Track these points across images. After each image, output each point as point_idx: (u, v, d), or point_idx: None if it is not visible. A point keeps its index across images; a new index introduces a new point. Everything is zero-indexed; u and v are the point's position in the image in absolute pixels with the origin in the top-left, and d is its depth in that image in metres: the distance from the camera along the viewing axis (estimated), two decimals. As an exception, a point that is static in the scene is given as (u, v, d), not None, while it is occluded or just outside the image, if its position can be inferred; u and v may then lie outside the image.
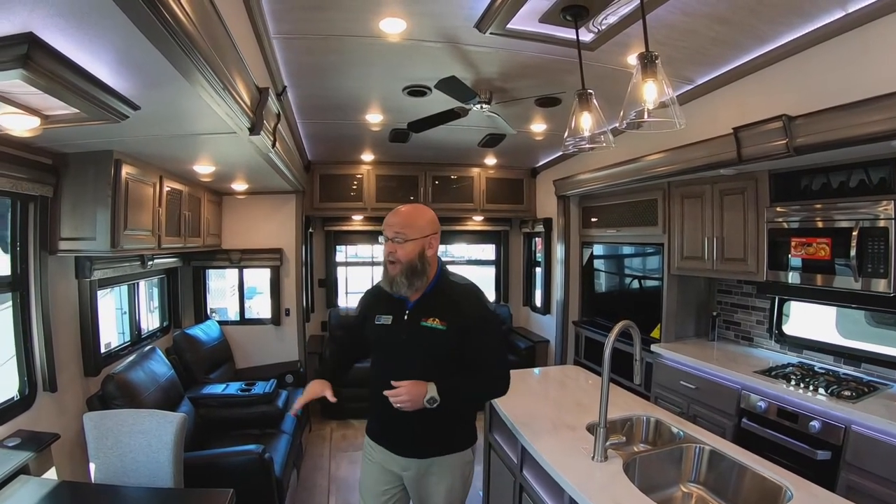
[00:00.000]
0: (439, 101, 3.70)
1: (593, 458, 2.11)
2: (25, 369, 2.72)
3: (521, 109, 4.10)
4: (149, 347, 3.87)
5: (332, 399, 2.24)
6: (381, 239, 2.22)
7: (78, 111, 1.95)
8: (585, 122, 2.50)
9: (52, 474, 2.53)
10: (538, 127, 4.69)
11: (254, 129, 2.62)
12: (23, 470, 2.31)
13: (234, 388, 4.18)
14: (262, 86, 2.62)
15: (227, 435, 3.85)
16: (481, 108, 3.63)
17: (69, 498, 2.23)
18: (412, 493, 2.28)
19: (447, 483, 2.21)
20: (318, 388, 2.25)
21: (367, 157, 5.97)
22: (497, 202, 6.51)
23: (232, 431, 3.92)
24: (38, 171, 2.66)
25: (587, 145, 2.55)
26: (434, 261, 2.18)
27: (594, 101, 2.52)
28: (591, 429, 2.36)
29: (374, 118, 4.41)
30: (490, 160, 6.17)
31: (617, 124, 2.15)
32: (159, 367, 3.71)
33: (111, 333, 3.94)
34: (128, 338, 4.16)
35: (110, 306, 4.07)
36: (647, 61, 1.95)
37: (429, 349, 2.09)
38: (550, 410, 2.75)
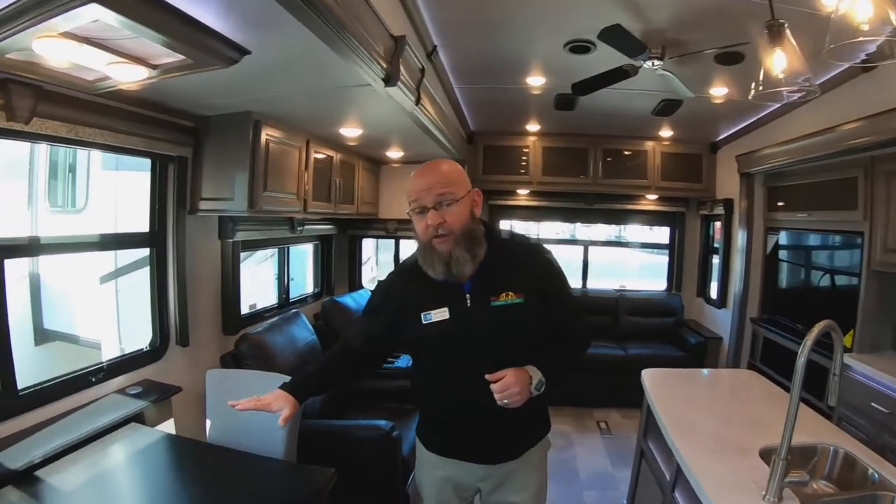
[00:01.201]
0: (606, 59, 3.21)
1: (765, 496, 1.57)
2: (158, 322, 2.83)
3: (699, 69, 3.44)
4: (293, 312, 3.93)
5: (280, 424, 1.70)
6: (410, 212, 1.67)
7: (183, 58, 1.83)
8: (778, 61, 1.85)
9: (170, 426, 2.59)
10: (719, 91, 3.95)
11: (389, 81, 2.37)
12: (137, 418, 2.37)
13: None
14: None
15: (365, 406, 3.76)
16: (652, 65, 3.08)
17: (166, 450, 2.24)
18: (486, 503, 1.89)
19: (534, 485, 1.84)
20: (276, 404, 1.72)
21: (533, 127, 5.55)
22: (673, 180, 5.71)
23: (370, 403, 3.83)
24: (176, 133, 2.73)
25: (784, 90, 1.91)
26: (479, 222, 1.73)
27: (788, 33, 1.87)
28: (766, 455, 1.81)
29: (536, 81, 4.00)
30: (665, 132, 5.42)
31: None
32: (301, 332, 3.74)
33: (257, 295, 4.07)
34: (275, 301, 4.27)
35: (260, 269, 4.24)
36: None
37: (509, 332, 1.67)
38: (717, 424, 2.22)
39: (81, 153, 3.71)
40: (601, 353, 5.19)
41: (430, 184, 1.62)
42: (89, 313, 3.63)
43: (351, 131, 3.51)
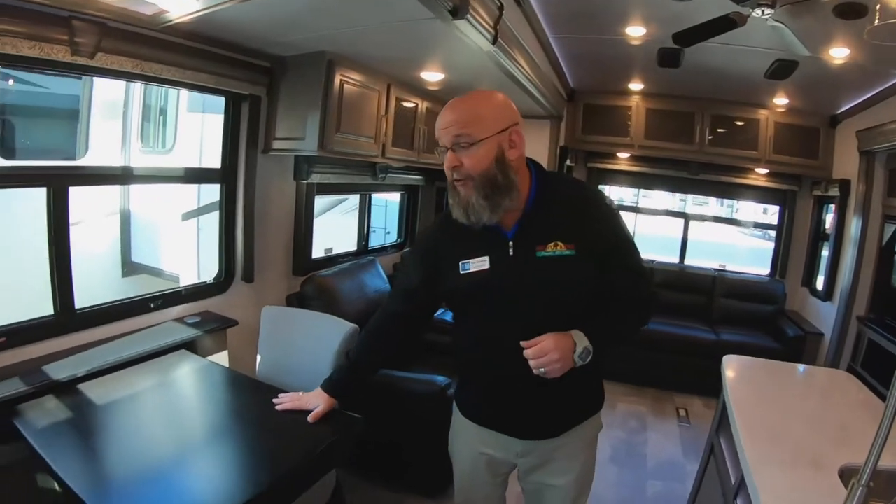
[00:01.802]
0: (711, 6, 2.87)
1: (834, 528, 1.24)
2: (225, 257, 2.90)
3: (815, 22, 2.95)
4: (368, 259, 3.91)
5: (309, 419, 1.72)
6: (437, 151, 1.48)
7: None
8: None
9: (223, 357, 2.65)
10: (839, 52, 3.40)
11: (457, 13, 2.20)
12: (189, 347, 2.44)
13: (451, 314, 4.01)
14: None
15: (431, 361, 3.65)
16: (762, 13, 2.68)
17: (206, 378, 2.28)
18: (524, 482, 1.71)
19: (577, 469, 1.62)
20: (312, 402, 1.76)
21: (636, 86, 5.18)
22: (786, 154, 5.09)
23: (434, 358, 3.70)
24: (249, 72, 2.74)
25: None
26: (522, 164, 1.49)
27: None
28: (846, 475, 1.50)
29: (636, 31, 3.66)
30: (780, 99, 4.83)
31: None
32: (373, 280, 3.71)
33: (335, 240, 4.08)
34: (353, 247, 4.28)
35: (345, 219, 4.25)
36: None
37: (555, 287, 1.45)
38: (799, 429, 1.89)
39: (171, 96, 3.86)
40: (690, 335, 4.83)
41: (448, 122, 1.42)
42: (172, 248, 3.81)
43: (432, 75, 3.37)
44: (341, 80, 2.85)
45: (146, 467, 1.60)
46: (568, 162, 5.58)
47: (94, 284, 2.84)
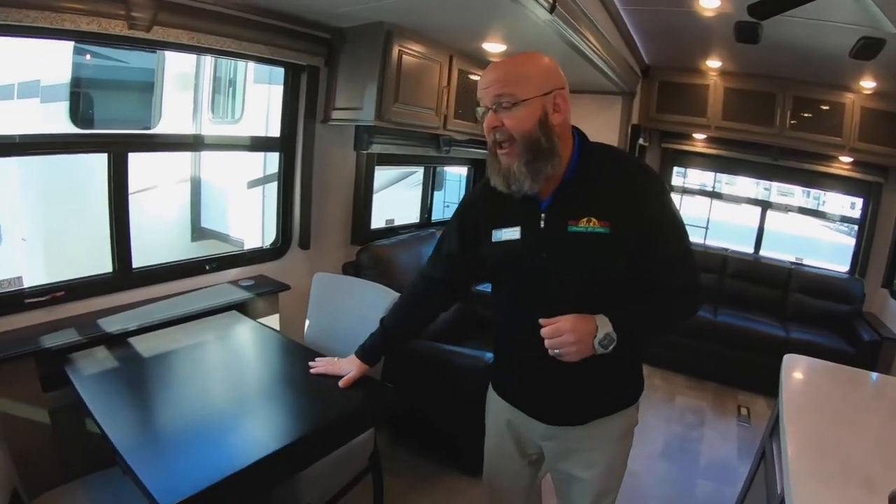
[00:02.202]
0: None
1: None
2: (282, 224, 3.01)
3: None
4: (429, 232, 3.94)
5: (340, 385, 1.75)
6: (478, 112, 1.39)
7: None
8: None
9: (274, 321, 2.75)
10: None
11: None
12: (241, 309, 2.55)
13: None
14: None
15: (484, 336, 3.64)
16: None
17: (251, 338, 2.40)
18: (552, 470, 1.66)
19: (604, 463, 1.53)
20: (346, 368, 1.78)
21: (714, 63, 4.90)
22: (873, 142, 4.66)
23: (485, 332, 3.69)
24: (307, 43, 2.79)
25: None
26: (566, 130, 1.41)
27: None
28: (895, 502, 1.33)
29: (709, 2, 3.47)
30: (867, 82, 4.43)
31: None
32: (431, 252, 3.73)
33: (399, 212, 4.15)
34: (415, 219, 4.34)
35: (411, 192, 4.31)
36: None
37: (585, 266, 1.37)
38: (856, 445, 1.68)
39: (240, 69, 3.99)
40: (758, 330, 4.57)
41: (490, 81, 1.36)
42: (238, 215, 3.97)
43: (493, 46, 3.32)
44: (399, 50, 2.86)
45: (182, 417, 1.69)
46: (641, 141, 5.38)
47: (164, 247, 3.02)
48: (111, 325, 2.14)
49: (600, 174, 1.40)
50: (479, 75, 3.54)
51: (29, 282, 2.12)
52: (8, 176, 3.42)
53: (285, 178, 2.99)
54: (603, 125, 4.90)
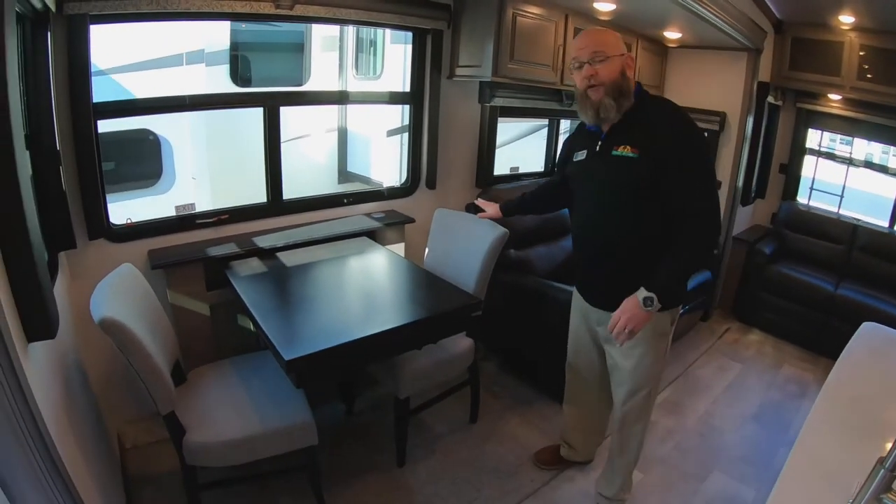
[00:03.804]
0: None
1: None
2: (411, 166, 3.51)
3: None
4: (546, 180, 4.20)
5: (479, 216, 2.64)
6: (573, 66, 1.91)
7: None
8: None
9: (400, 248, 3.29)
10: None
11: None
12: (372, 236, 3.13)
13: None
14: None
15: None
16: None
17: (377, 259, 2.92)
18: (607, 355, 2.17)
19: (636, 357, 2.02)
20: (491, 211, 2.58)
21: (847, 18, 4.41)
22: None
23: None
24: (430, 9, 3.16)
25: None
26: (633, 83, 1.90)
27: None
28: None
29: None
30: None
31: None
32: (547, 198, 4.05)
33: (524, 160, 4.57)
34: (541, 168, 4.67)
35: (537, 139, 4.67)
36: None
37: (617, 184, 1.89)
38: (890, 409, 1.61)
39: (379, 31, 4.49)
40: (882, 309, 4.04)
41: (585, 43, 1.87)
42: (379, 161, 4.54)
43: (604, 5, 3.44)
44: (513, 12, 3.12)
45: (317, 311, 2.30)
46: (770, 99, 5.06)
47: (314, 188, 3.60)
48: (264, 241, 2.77)
49: (647, 116, 1.86)
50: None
51: (200, 208, 2.78)
52: (180, 129, 4.22)
53: (415, 128, 3.45)
54: (723, 83, 4.70)
